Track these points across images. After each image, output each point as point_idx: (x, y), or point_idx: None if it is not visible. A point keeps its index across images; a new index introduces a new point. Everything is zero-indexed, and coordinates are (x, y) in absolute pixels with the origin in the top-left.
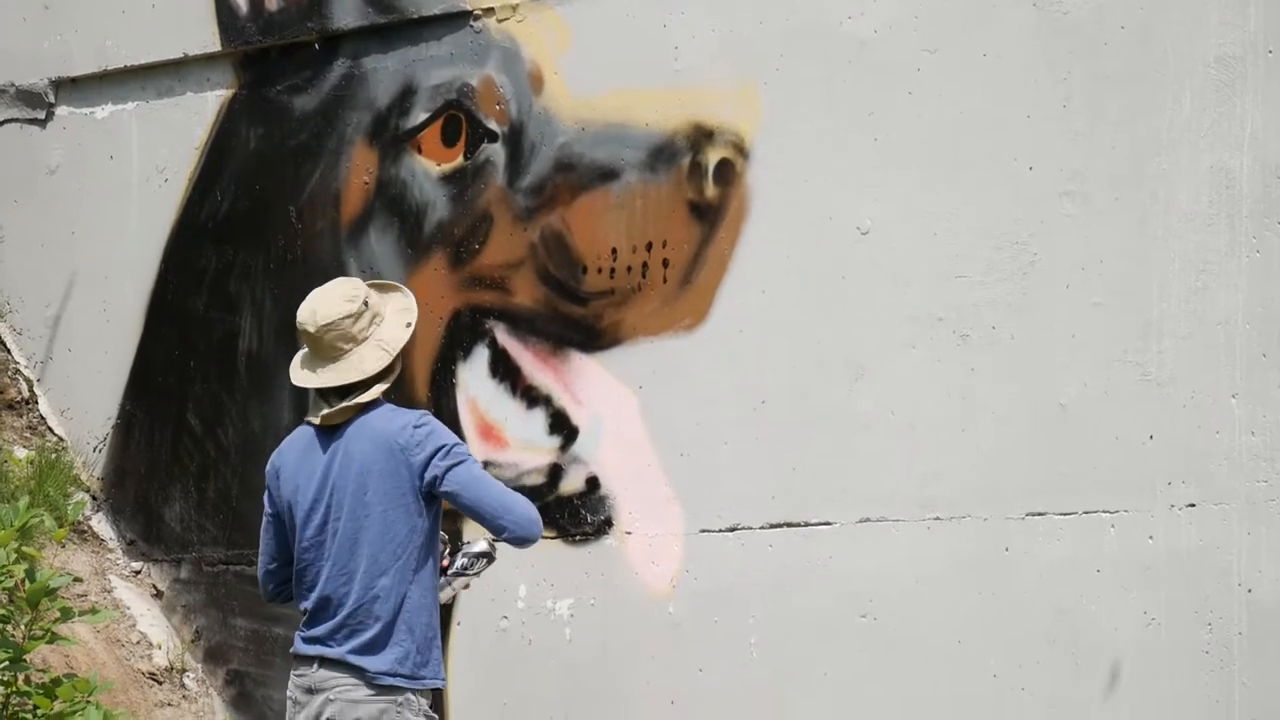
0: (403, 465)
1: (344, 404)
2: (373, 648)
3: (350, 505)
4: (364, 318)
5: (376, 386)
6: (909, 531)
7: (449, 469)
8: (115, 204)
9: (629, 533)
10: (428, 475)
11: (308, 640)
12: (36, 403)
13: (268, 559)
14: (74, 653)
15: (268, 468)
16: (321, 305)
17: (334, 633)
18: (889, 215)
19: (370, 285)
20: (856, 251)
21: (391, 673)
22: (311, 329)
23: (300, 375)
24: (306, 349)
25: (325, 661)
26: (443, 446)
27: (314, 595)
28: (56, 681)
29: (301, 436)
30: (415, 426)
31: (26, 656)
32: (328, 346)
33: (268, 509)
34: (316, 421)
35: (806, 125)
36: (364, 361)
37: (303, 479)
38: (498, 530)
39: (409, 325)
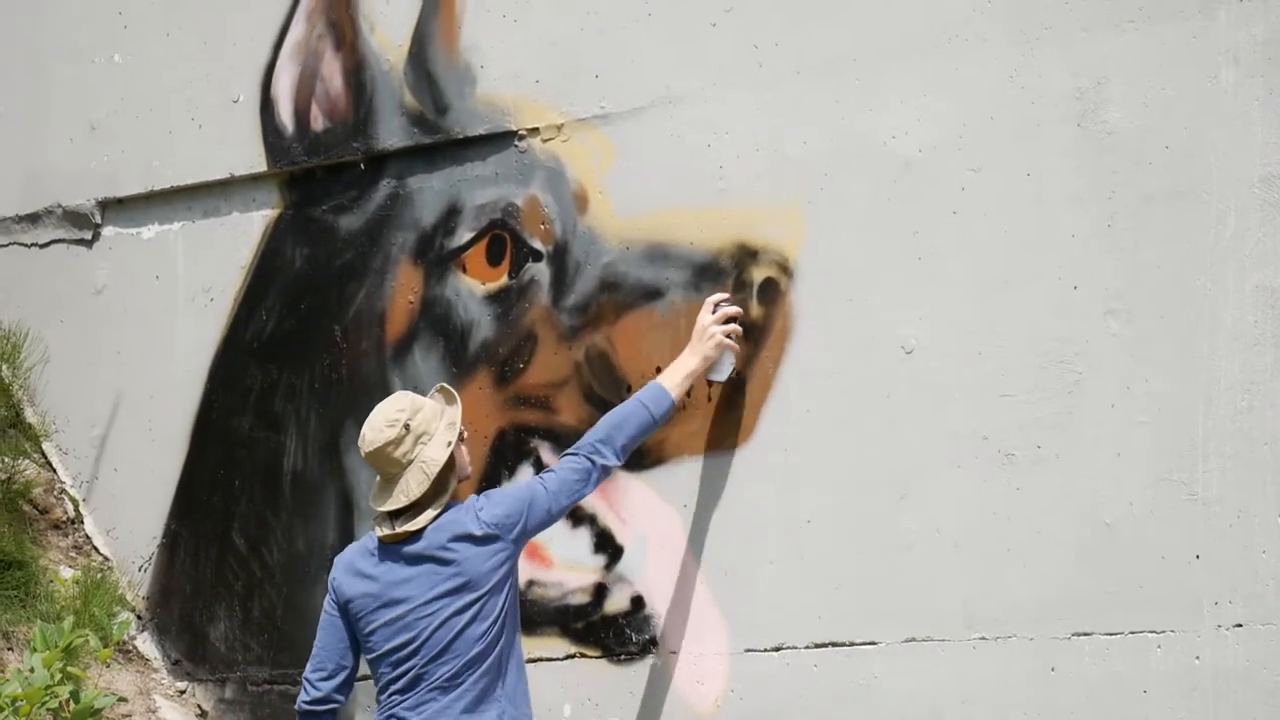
0: (492, 546)
1: (398, 529)
2: (474, 709)
3: (444, 608)
4: (406, 441)
5: (429, 512)
6: (955, 651)
7: (539, 510)
8: (161, 324)
9: (674, 652)
10: (529, 529)
11: None
12: (82, 522)
13: (323, 666)
14: None
15: (335, 576)
16: (369, 431)
17: (425, 710)
18: (933, 334)
19: (438, 392)
20: (901, 370)
21: None
22: (363, 454)
23: (371, 495)
24: None
25: None
26: (520, 512)
27: (403, 696)
28: None
29: (371, 547)
30: (480, 510)
31: None
32: (381, 470)
33: (330, 610)
34: (379, 536)
35: (851, 244)
36: (409, 486)
37: (385, 592)
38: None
39: (449, 445)
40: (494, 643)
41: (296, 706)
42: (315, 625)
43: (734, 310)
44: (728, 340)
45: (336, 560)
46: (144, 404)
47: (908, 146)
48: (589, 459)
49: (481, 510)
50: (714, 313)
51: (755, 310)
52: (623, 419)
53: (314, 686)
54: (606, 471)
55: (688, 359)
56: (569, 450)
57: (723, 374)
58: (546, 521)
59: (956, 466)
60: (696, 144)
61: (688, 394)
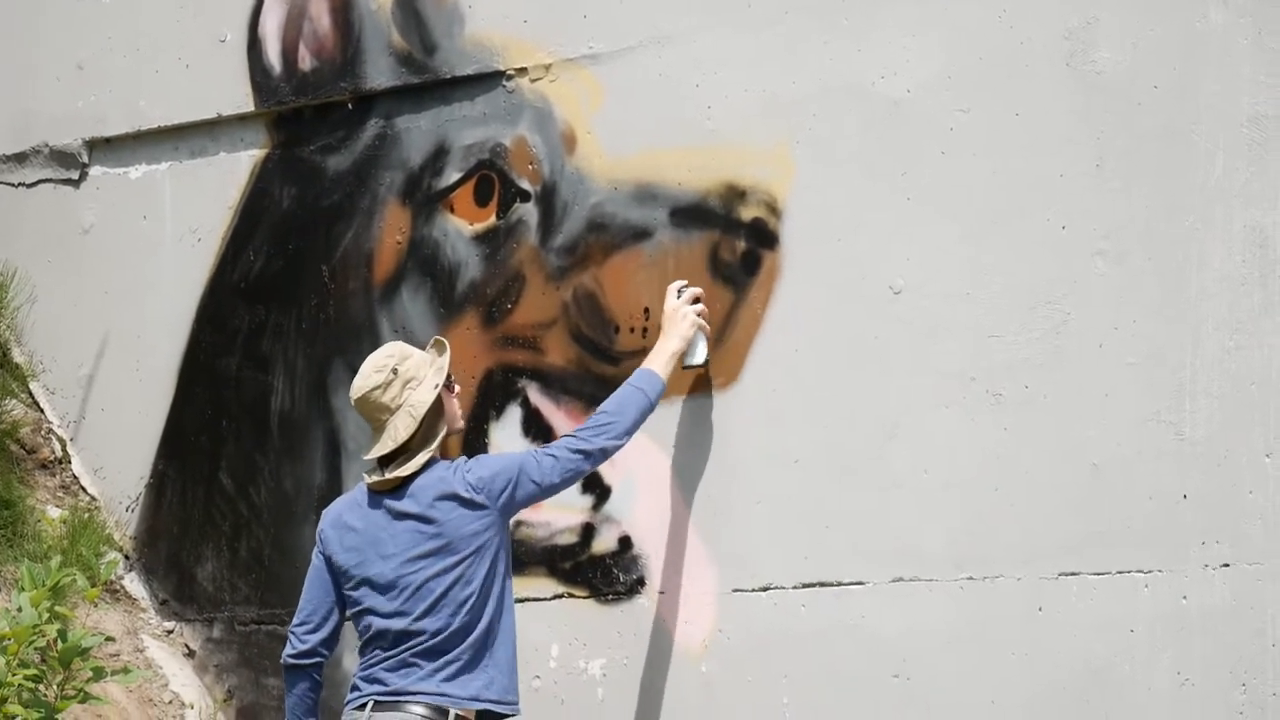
0: (476, 512)
1: (388, 475)
2: (456, 677)
3: (425, 568)
4: (394, 386)
5: (418, 457)
6: (942, 591)
7: (528, 482)
8: (148, 264)
9: (662, 592)
10: (517, 499)
11: (385, 686)
12: (69, 462)
13: (309, 619)
14: (106, 712)
15: (322, 528)
16: (358, 379)
17: (408, 675)
18: (922, 274)
19: (432, 345)
20: (889, 310)
21: (477, 698)
22: (353, 403)
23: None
24: None
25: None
26: (507, 478)
27: (383, 654)
28: None
29: (360, 499)
30: (467, 471)
31: (59, 716)
32: (371, 418)
33: (317, 563)
34: (368, 484)
35: (839, 184)
36: (396, 430)
37: (368, 547)
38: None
39: (436, 387)
40: (480, 611)
41: (282, 660)
42: (303, 565)
43: (698, 291)
44: (700, 320)
45: (325, 512)
46: (131, 344)
47: (896, 87)
48: (589, 442)
49: (469, 472)
50: (679, 297)
51: (743, 250)
52: (621, 404)
53: (299, 640)
54: (606, 454)
55: (667, 342)
56: (570, 433)
57: (698, 357)
58: (536, 496)
59: (945, 407)
60: (685, 84)
61: None
